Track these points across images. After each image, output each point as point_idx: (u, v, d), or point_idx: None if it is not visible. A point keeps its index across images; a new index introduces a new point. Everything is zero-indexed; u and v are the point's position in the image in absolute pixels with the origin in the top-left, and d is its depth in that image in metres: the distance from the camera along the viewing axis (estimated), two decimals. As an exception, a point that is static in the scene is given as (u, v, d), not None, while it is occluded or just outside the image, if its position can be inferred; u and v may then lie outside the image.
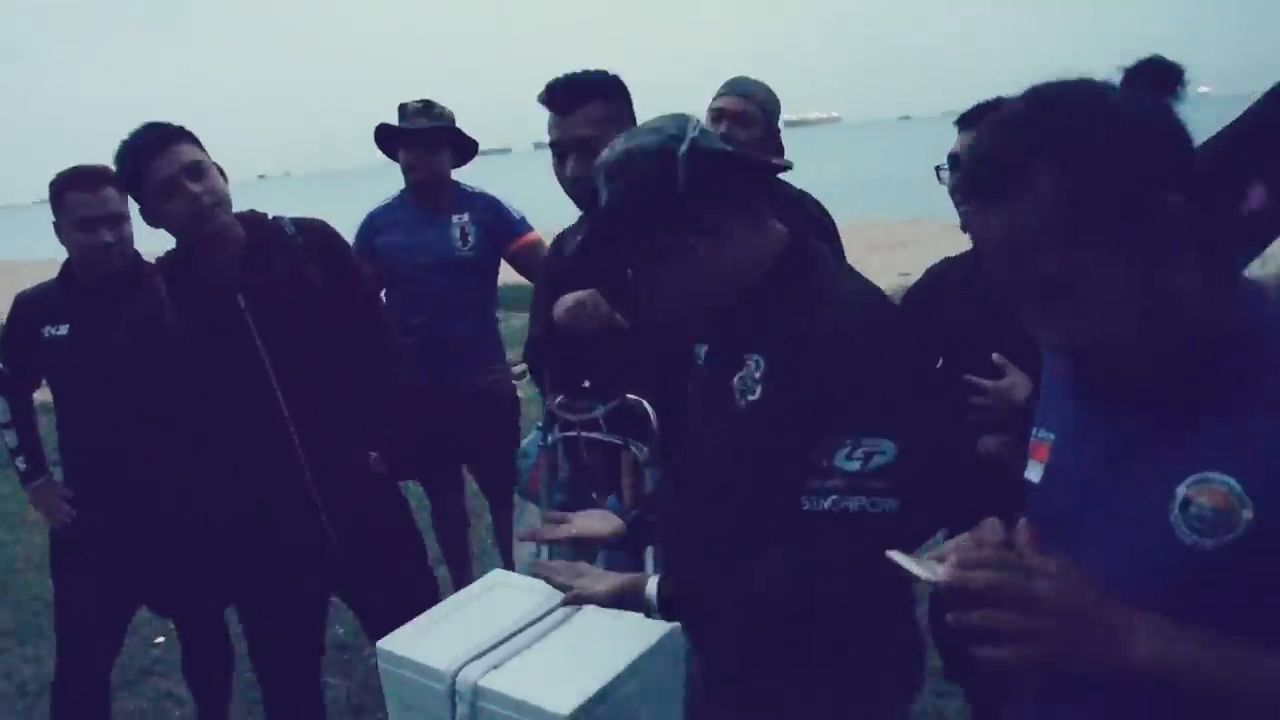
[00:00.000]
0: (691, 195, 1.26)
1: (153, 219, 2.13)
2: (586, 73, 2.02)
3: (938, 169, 2.13)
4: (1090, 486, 0.93)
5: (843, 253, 2.04)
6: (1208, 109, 1.12)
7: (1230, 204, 1.27)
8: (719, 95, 2.50)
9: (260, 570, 2.36)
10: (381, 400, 2.44)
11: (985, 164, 0.87)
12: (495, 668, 1.82)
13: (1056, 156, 0.83)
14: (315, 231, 2.31)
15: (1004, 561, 0.80)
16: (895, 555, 0.87)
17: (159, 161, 2.05)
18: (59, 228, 2.42)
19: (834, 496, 1.20)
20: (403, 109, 3.19)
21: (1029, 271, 0.86)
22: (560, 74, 2.04)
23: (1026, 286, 0.87)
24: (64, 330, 2.43)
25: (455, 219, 3.19)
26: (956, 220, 1.91)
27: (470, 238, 3.18)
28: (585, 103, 1.96)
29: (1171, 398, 0.88)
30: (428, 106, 3.17)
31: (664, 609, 1.30)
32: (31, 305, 2.49)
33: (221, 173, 2.16)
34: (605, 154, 1.33)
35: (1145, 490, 0.87)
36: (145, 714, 3.18)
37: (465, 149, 3.27)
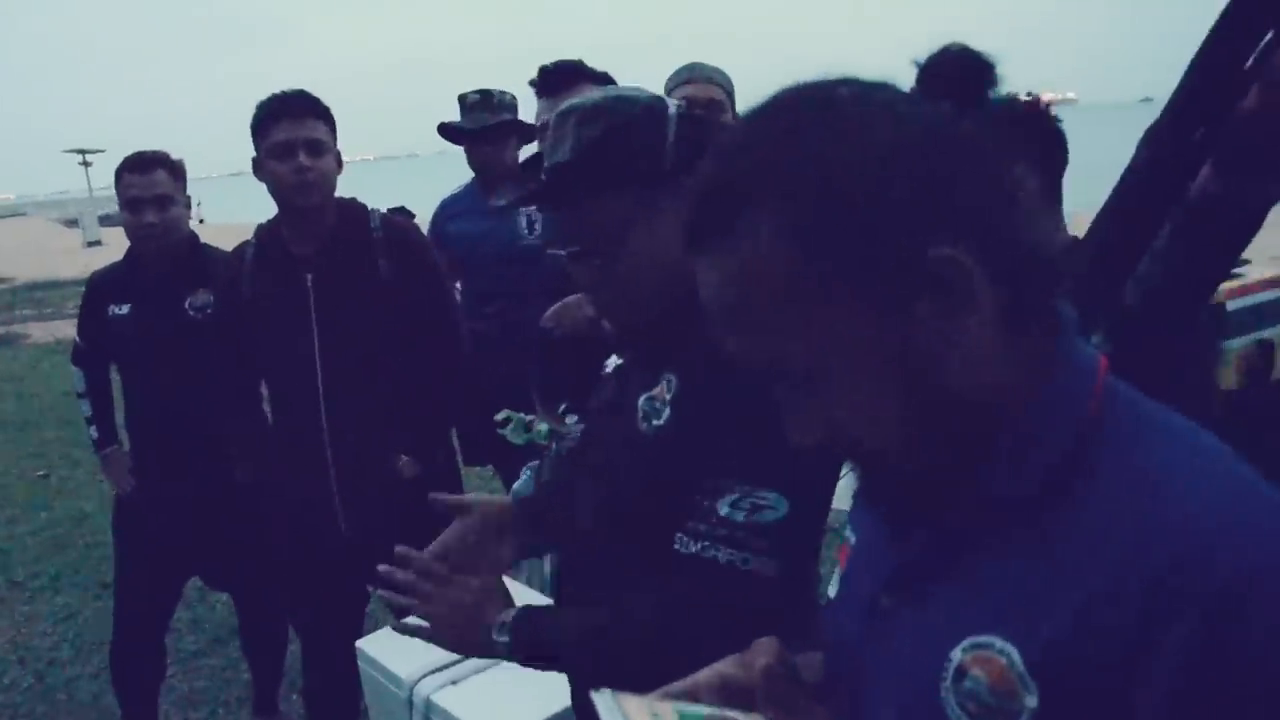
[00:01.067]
0: (677, 156, 1.08)
1: (258, 172, 2.21)
2: (579, 60, 1.91)
3: None
4: (873, 616, 0.70)
5: None
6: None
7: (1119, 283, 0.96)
8: (681, 84, 2.19)
9: (286, 551, 2.41)
10: (437, 403, 2.39)
11: (701, 199, 0.64)
12: (453, 683, 1.78)
13: (776, 199, 0.60)
14: (397, 228, 2.33)
15: None
16: (596, 696, 0.67)
17: (285, 125, 2.13)
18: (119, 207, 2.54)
19: (705, 542, 1.06)
20: (461, 101, 3.10)
21: (748, 350, 0.64)
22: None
23: (754, 366, 0.64)
24: (125, 309, 2.55)
25: (524, 209, 3.13)
26: None
27: (537, 226, 3.11)
28: (577, 84, 1.85)
29: (955, 525, 0.64)
30: (485, 98, 3.05)
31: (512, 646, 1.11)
32: (100, 284, 2.64)
33: (338, 160, 2.23)
34: (575, 101, 1.13)
35: (920, 640, 0.65)
36: (214, 680, 3.32)
37: (530, 134, 3.18)
